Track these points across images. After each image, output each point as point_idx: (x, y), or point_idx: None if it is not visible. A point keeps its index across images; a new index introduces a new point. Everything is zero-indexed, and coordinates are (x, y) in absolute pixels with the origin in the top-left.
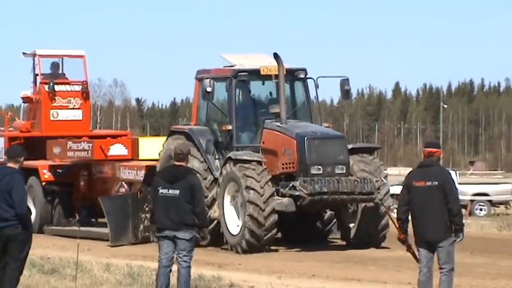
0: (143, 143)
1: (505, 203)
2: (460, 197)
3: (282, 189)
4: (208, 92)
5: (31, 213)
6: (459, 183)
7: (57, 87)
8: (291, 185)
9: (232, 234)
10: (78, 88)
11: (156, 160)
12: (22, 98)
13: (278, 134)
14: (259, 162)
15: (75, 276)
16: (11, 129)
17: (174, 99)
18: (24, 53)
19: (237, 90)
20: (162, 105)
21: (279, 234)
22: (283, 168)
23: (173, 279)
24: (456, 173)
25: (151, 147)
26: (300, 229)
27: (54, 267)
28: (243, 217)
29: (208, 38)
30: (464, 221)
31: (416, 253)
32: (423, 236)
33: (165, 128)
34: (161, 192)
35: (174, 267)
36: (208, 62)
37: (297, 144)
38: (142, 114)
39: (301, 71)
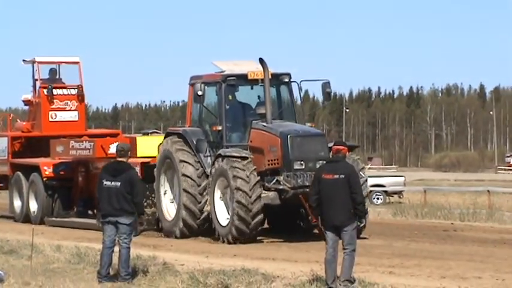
0: (141, 141)
1: (398, 193)
2: None
3: (267, 184)
4: (200, 95)
5: None
6: None
7: (55, 91)
8: (275, 179)
9: (222, 226)
10: (74, 92)
11: (152, 157)
12: (23, 101)
13: (264, 133)
14: (246, 158)
15: (31, 256)
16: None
17: (116, 104)
18: (24, 60)
19: (226, 93)
20: (105, 109)
21: (265, 224)
22: (268, 165)
23: (115, 259)
24: None
25: (148, 145)
26: (285, 221)
27: (12, 248)
28: (231, 207)
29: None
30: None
31: (324, 235)
32: (331, 221)
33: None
34: (105, 184)
35: (116, 249)
36: (151, 71)
37: (281, 142)
38: (88, 118)
39: (286, 75)
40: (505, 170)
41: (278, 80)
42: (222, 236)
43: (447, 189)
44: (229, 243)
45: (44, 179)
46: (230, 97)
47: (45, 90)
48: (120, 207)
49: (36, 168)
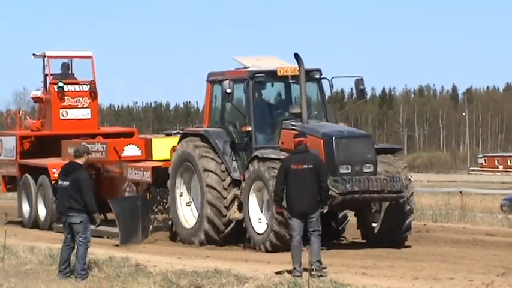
0: (156, 143)
1: None
2: None
3: None
4: (228, 94)
5: None
6: None
7: (66, 87)
8: None
9: (258, 233)
10: (86, 88)
11: (164, 161)
12: (32, 98)
13: None
14: None
15: (3, 258)
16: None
17: None
18: (34, 54)
19: (254, 91)
20: None
21: None
22: None
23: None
24: None
25: (165, 148)
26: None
27: None
28: (269, 214)
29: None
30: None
31: (290, 222)
32: (299, 208)
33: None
34: (60, 184)
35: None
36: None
37: (324, 144)
38: None
39: (316, 71)
40: (477, 171)
41: (308, 76)
42: (258, 244)
43: (420, 190)
44: (267, 251)
45: (53, 182)
46: (259, 95)
47: (55, 87)
48: (69, 206)
49: (44, 170)
